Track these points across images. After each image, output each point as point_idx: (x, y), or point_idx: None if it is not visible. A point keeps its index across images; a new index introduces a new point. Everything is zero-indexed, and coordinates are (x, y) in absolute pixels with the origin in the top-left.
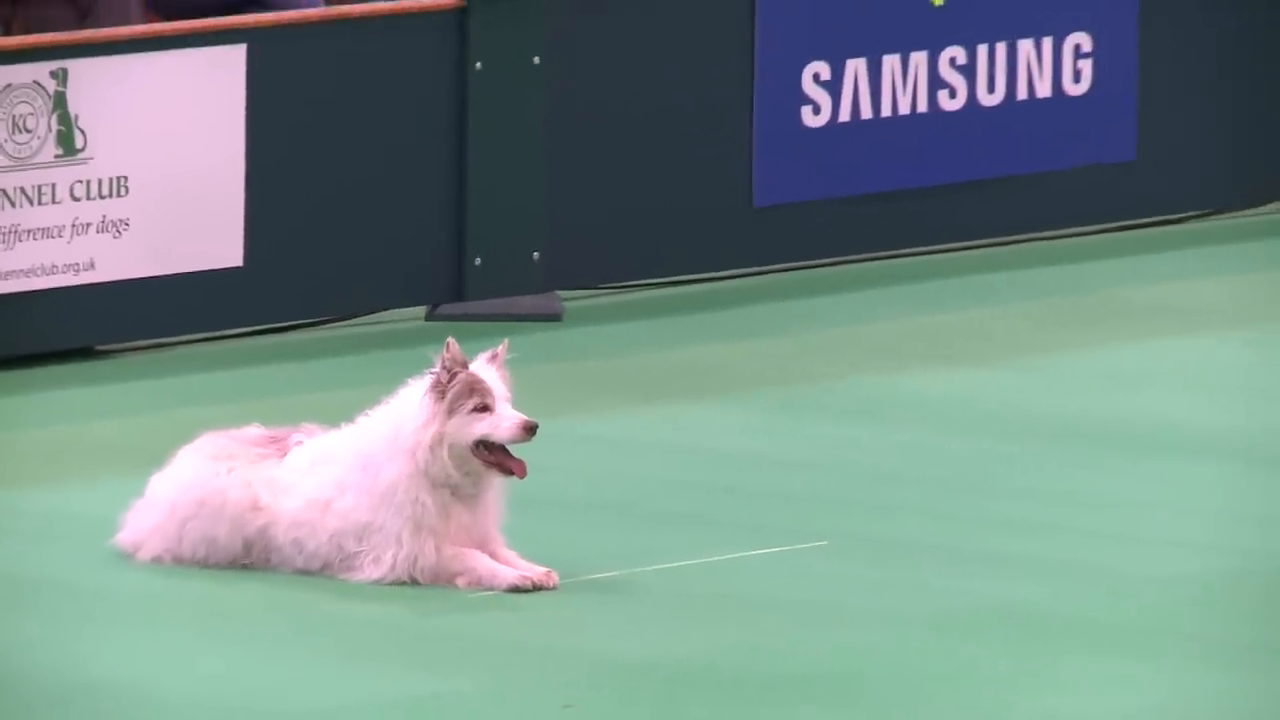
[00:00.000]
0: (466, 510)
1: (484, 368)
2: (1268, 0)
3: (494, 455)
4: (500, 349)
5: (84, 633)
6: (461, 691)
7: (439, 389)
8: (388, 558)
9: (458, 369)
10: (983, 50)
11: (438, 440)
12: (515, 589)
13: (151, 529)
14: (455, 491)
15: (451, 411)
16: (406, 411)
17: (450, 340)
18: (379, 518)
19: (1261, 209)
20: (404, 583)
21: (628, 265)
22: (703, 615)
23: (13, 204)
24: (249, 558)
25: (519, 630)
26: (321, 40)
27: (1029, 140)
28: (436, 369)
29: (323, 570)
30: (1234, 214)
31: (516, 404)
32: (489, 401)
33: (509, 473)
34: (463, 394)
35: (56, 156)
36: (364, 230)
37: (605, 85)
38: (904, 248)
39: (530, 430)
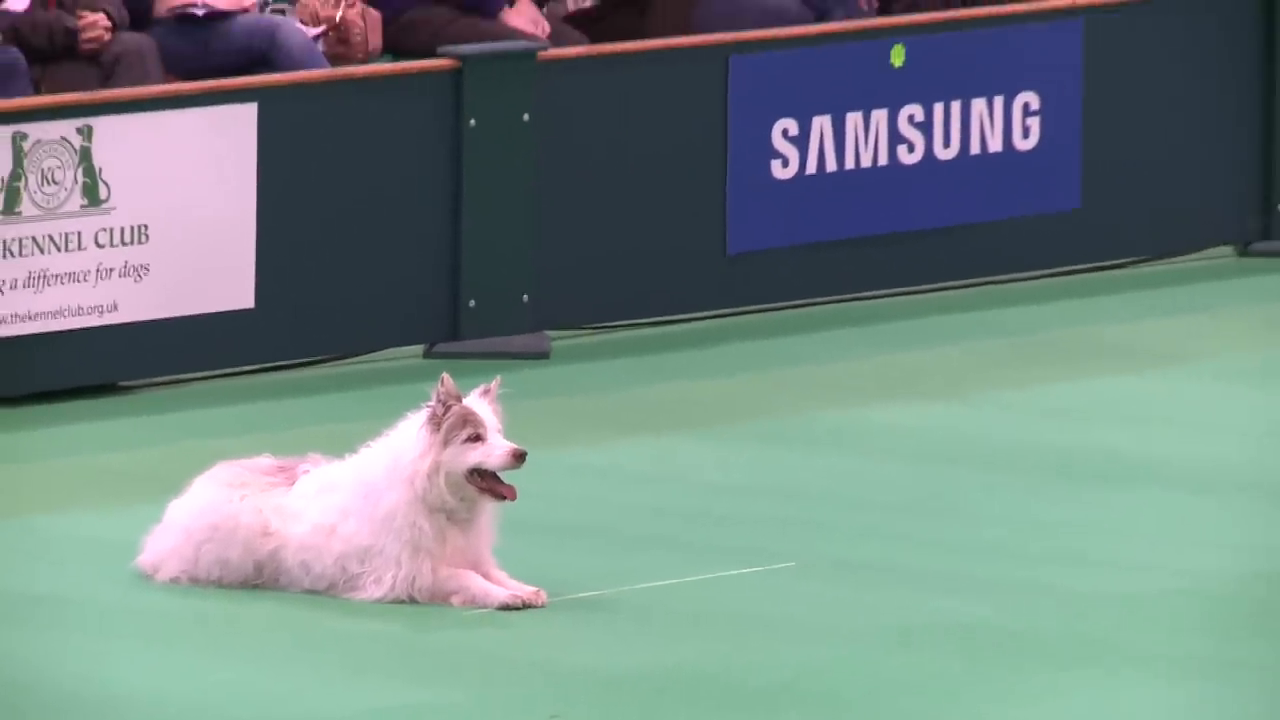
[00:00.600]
0: (461, 534)
1: (477, 401)
2: (1200, 64)
3: (486, 482)
4: (493, 384)
5: (107, 647)
6: (456, 702)
7: (435, 421)
8: (388, 578)
9: (452, 402)
10: (939, 108)
11: (434, 469)
12: (506, 607)
13: (169, 551)
14: (451, 516)
15: (447, 442)
16: (405, 442)
17: (445, 376)
18: (380, 541)
19: (1198, 254)
20: (403, 601)
21: (611, 307)
22: (681, 631)
23: (41, 250)
24: (260, 578)
25: (510, 645)
26: (327, 99)
27: (982, 191)
28: (433, 403)
29: (328, 590)
30: (1173, 259)
31: (507, 435)
32: (481, 432)
33: (501, 497)
34: (457, 425)
35: (82, 207)
36: (366, 274)
37: (590, 141)
38: (867, 291)
39: (520, 458)
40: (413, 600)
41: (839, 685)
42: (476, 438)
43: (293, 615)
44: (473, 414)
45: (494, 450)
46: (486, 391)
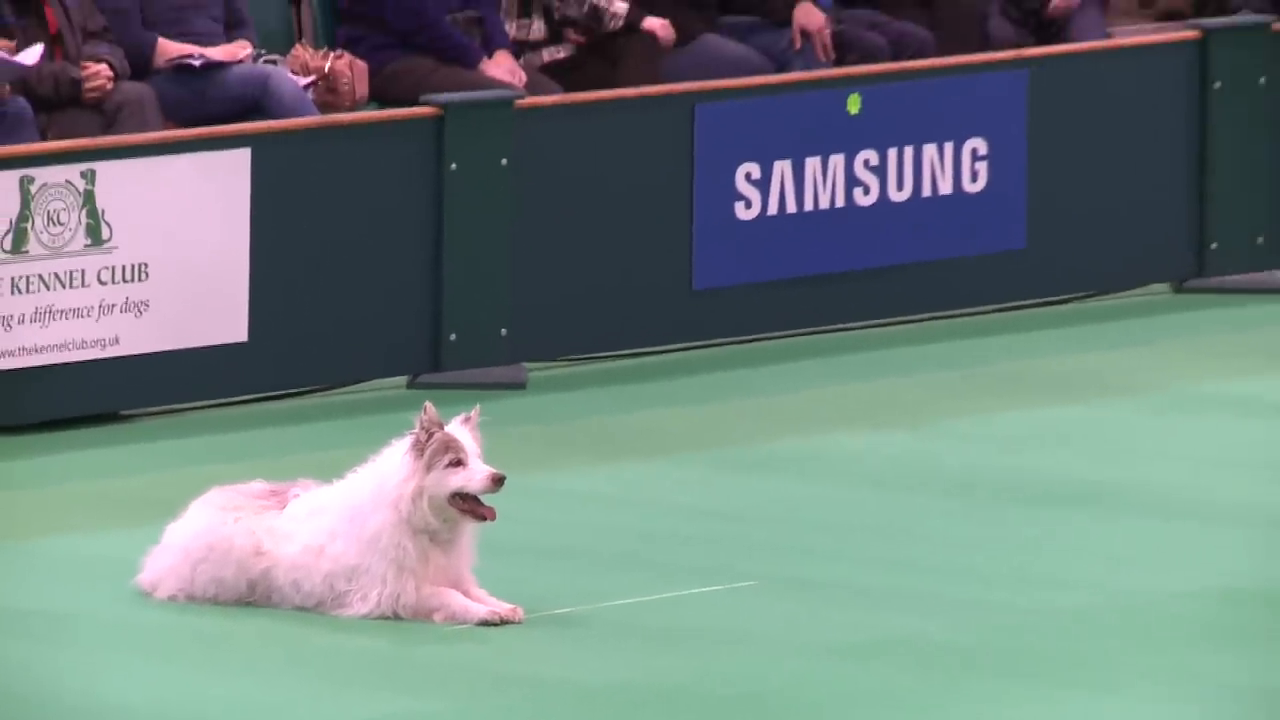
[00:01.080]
0: (443, 554)
1: (458, 428)
2: (1138, 113)
3: (468, 504)
4: (473, 413)
5: (108, 661)
6: (438, 712)
7: (418, 447)
8: (373, 596)
9: (434, 429)
10: (892, 153)
11: (418, 492)
12: (485, 623)
13: (167, 570)
14: (433, 538)
15: (430, 467)
16: (390, 467)
17: (427, 404)
18: (366, 561)
19: (1136, 291)
20: (388, 618)
21: (584, 340)
22: (651, 646)
23: (47, 287)
24: (253, 596)
25: (489, 659)
26: (316, 144)
27: (933, 231)
28: (416, 430)
29: (317, 607)
30: (1113, 295)
31: (487, 460)
32: (463, 457)
33: (482, 518)
34: (439, 451)
35: (85, 246)
36: (353, 309)
37: (564, 184)
38: (825, 325)
39: (499, 481)
40: (397, 617)
41: (798, 697)
42: (458, 462)
43: (284, 631)
44: (454, 440)
45: (475, 474)
46: (467, 420)
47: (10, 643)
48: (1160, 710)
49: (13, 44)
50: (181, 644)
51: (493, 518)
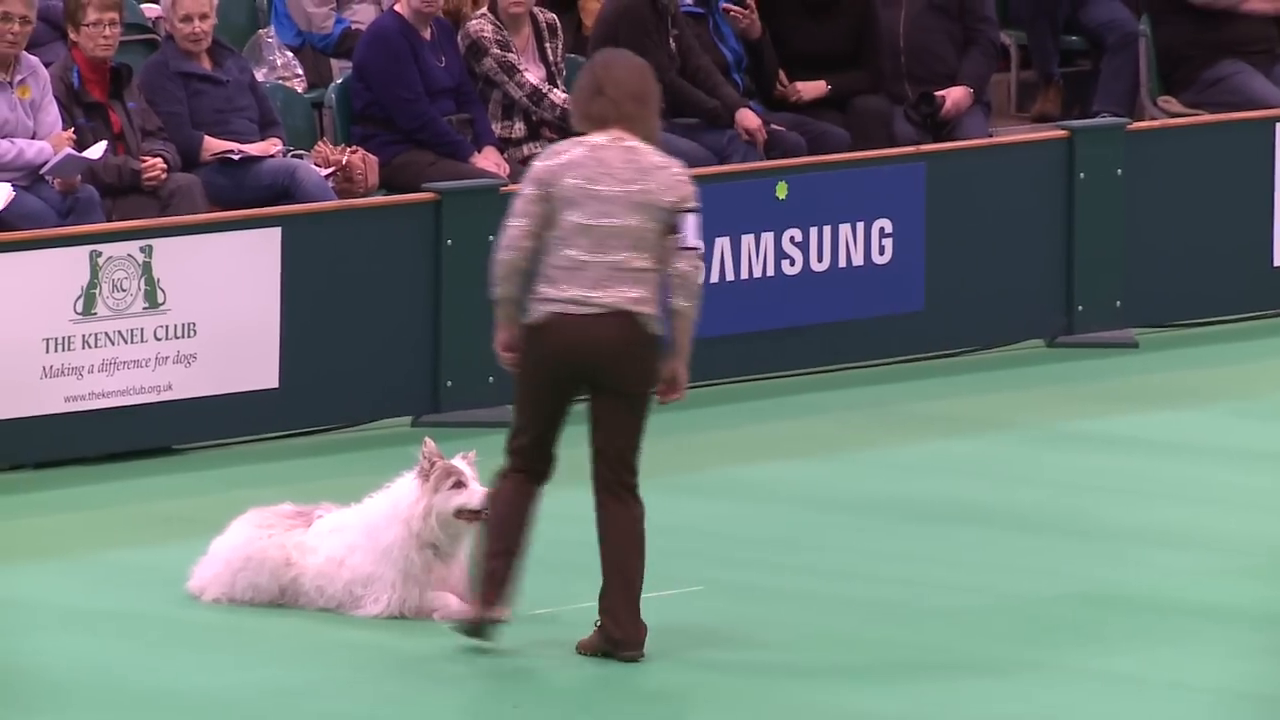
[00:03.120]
0: (443, 565)
1: (458, 460)
2: (1015, 197)
3: (470, 515)
4: (470, 454)
5: (163, 653)
6: (438, 696)
7: (424, 474)
8: (385, 599)
9: (436, 459)
10: (814, 231)
11: (427, 510)
12: None
13: (212, 578)
14: (436, 551)
15: (435, 490)
16: (401, 492)
17: (427, 439)
18: (379, 570)
19: (1015, 345)
20: (396, 617)
21: None
22: None
23: (112, 343)
24: (283, 599)
25: (479, 651)
26: (335, 224)
27: (847, 296)
28: (420, 460)
29: (337, 609)
30: (995, 349)
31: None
32: (463, 479)
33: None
34: (443, 477)
35: (144, 308)
36: (365, 360)
37: None
38: (756, 374)
39: None
40: (404, 617)
41: (739, 683)
42: (459, 484)
43: (309, 628)
44: (455, 467)
45: (475, 494)
46: (465, 456)
47: (80, 639)
48: (1037, 694)
49: (74, 138)
50: (224, 639)
51: None
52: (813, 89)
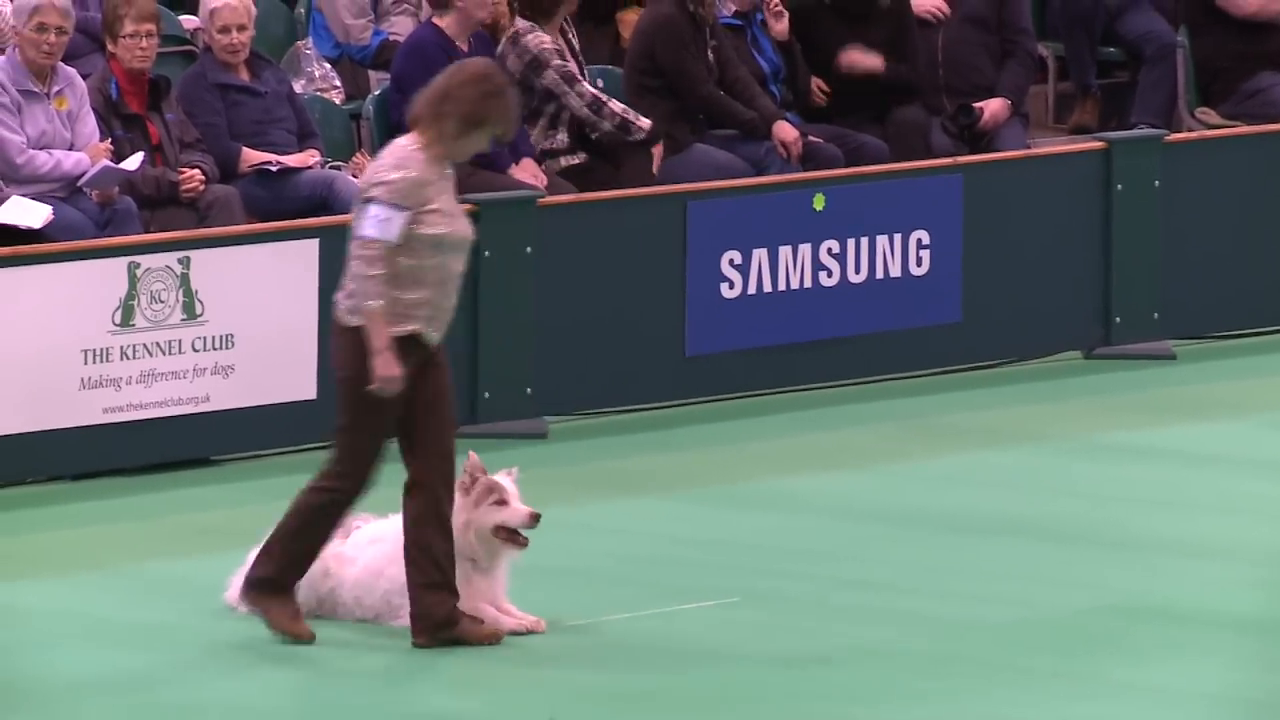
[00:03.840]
0: (481, 576)
1: (502, 477)
2: (1054, 208)
3: (508, 535)
4: (514, 470)
5: (201, 663)
6: (475, 706)
7: (465, 488)
8: None
9: (478, 474)
10: (851, 242)
11: (466, 525)
12: (514, 632)
13: None
14: (475, 564)
15: (477, 505)
16: None
17: (471, 453)
18: None
19: (1052, 357)
20: None
21: (596, 397)
22: (650, 652)
23: (150, 354)
24: (321, 610)
25: (516, 661)
26: None
27: (885, 307)
28: (463, 475)
29: (375, 619)
30: (1033, 360)
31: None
32: (505, 497)
33: (519, 547)
34: (484, 493)
35: (182, 320)
36: None
37: (578, 268)
38: (794, 385)
39: (536, 518)
40: None
41: (774, 694)
42: (502, 502)
43: (347, 638)
44: (497, 484)
45: (517, 512)
46: (509, 473)
47: (115, 651)
48: (1072, 706)
49: (111, 150)
50: (260, 649)
51: (526, 546)
52: (866, 61)
